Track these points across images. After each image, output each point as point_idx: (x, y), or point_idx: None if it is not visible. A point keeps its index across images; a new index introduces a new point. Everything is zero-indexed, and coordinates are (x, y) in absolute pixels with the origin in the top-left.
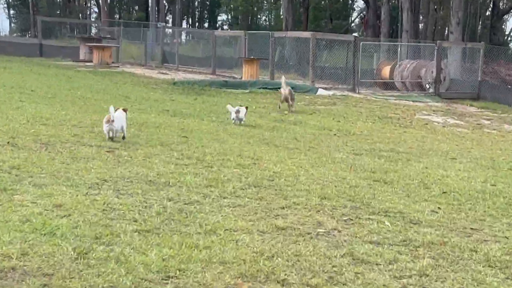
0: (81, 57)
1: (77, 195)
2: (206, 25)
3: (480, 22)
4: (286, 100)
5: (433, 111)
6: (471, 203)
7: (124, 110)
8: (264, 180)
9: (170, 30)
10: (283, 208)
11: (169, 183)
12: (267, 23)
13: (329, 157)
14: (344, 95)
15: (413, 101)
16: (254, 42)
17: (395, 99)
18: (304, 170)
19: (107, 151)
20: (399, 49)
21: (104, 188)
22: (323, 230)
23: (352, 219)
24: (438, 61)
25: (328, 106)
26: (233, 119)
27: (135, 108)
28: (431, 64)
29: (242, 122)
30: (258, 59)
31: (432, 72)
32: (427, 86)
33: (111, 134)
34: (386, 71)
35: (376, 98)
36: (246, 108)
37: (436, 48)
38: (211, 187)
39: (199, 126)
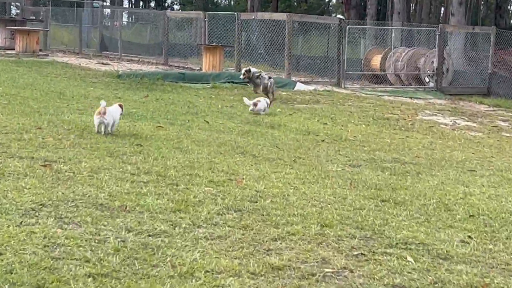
0: (0, 43)
1: (8, 226)
2: (152, 4)
3: (483, 2)
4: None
5: (438, 110)
6: (507, 230)
7: (120, 106)
8: (245, 202)
9: (110, 11)
10: (276, 239)
11: (125, 207)
12: (227, 2)
13: (321, 170)
14: (328, 91)
15: (410, 97)
16: (216, 26)
17: (389, 96)
18: (293, 188)
19: (43, 165)
20: (392, 34)
21: (43, 216)
22: (331, 270)
23: (364, 254)
24: (440, 49)
25: (311, 104)
26: (251, 110)
27: (74, 108)
28: (431, 52)
29: (263, 113)
30: (222, 46)
31: (432, 62)
32: (427, 79)
33: (101, 128)
34: (376, 61)
35: (367, 94)
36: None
37: (438, 33)
38: (180, 212)
39: (155, 131)
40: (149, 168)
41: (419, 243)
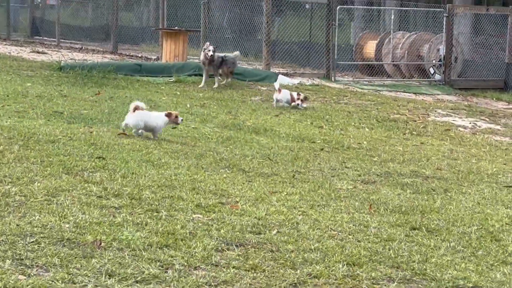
0: None
1: None
2: None
3: None
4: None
5: (451, 109)
6: None
7: (168, 116)
8: (247, 234)
9: None
10: (295, 285)
11: (100, 243)
12: None
13: (329, 188)
14: (316, 85)
15: (414, 93)
16: (175, 6)
17: (389, 91)
18: (301, 213)
19: None
20: (392, 17)
21: None
22: None
23: None
24: (448, 34)
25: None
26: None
27: (11, 110)
28: (436, 38)
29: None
30: (187, 31)
31: (438, 50)
32: (432, 70)
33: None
34: (370, 48)
35: (363, 89)
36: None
37: (445, 15)
38: (169, 248)
39: (116, 139)
40: (119, 188)
41: (473, 287)
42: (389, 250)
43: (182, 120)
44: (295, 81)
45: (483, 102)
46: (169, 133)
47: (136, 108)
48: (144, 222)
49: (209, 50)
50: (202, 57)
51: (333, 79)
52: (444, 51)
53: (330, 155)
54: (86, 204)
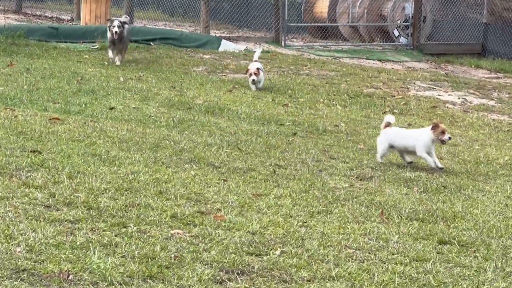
0: None
1: None
2: None
3: None
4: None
5: (431, 81)
6: None
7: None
8: (245, 256)
9: None
10: None
11: (67, 274)
12: None
13: (322, 188)
14: (266, 51)
15: (380, 60)
16: None
17: (350, 57)
18: (301, 223)
19: None
20: None
21: None
22: None
23: None
24: None
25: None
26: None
27: None
28: None
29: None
30: None
31: (403, 8)
32: (396, 32)
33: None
34: (322, 7)
35: (320, 56)
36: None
37: None
38: (155, 280)
39: (49, 126)
40: (69, 194)
41: None
42: (426, 274)
43: (450, 138)
44: (241, 47)
45: (460, 70)
46: (107, 115)
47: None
48: (113, 243)
49: (114, 27)
50: (108, 35)
51: (283, 44)
52: (412, 9)
53: (306, 142)
54: (34, 218)
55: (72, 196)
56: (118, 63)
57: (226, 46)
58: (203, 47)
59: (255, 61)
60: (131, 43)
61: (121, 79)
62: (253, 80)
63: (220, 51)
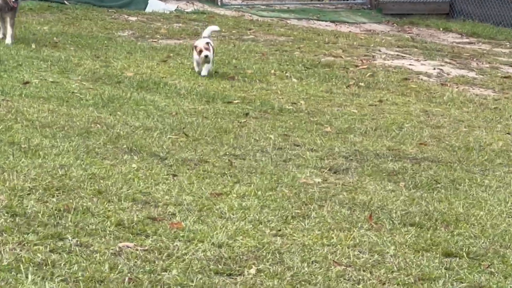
0: None
1: None
2: None
3: None
4: None
5: (399, 47)
6: None
7: None
8: (214, 276)
9: None
10: None
11: None
12: None
13: (292, 184)
14: (201, 12)
15: (333, 21)
16: None
17: (298, 19)
18: (275, 232)
19: None
20: None
21: None
22: None
23: None
24: None
25: (186, 39)
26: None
27: None
28: None
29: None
30: None
31: None
32: None
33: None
34: None
35: (263, 17)
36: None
37: None
38: None
39: None
40: None
41: None
42: None
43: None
44: (171, 7)
45: (426, 33)
46: (21, 91)
47: None
48: (49, 261)
49: None
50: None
51: (219, 3)
52: None
53: (262, 124)
54: None
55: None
56: (9, 41)
57: (154, 5)
58: (128, 7)
59: (204, 37)
60: (40, 2)
61: (33, 45)
62: (206, 56)
63: (147, 12)
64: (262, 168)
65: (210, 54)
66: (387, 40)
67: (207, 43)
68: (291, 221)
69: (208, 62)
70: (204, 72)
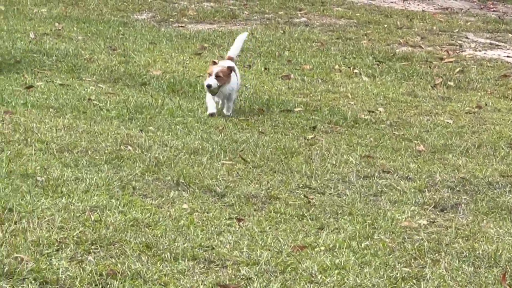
0: None
1: None
2: None
3: None
4: None
5: (490, 32)
6: None
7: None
8: None
9: None
10: None
11: None
12: None
13: (390, 228)
14: None
15: None
16: None
17: None
18: None
19: None
20: None
21: None
22: None
23: None
24: None
25: (221, 22)
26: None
27: None
28: None
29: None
30: None
31: None
32: None
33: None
34: None
35: None
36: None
37: None
38: None
39: None
40: (4, 255)
41: None
42: None
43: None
44: None
45: None
46: (25, 99)
47: None
48: None
49: None
50: None
51: None
52: None
53: (335, 141)
54: None
55: (10, 260)
56: None
57: None
58: None
59: (230, 57)
60: None
61: (31, 35)
62: (209, 86)
63: None
64: (349, 206)
65: (214, 83)
66: (472, 22)
67: (228, 67)
68: (403, 285)
69: (212, 91)
70: (210, 107)
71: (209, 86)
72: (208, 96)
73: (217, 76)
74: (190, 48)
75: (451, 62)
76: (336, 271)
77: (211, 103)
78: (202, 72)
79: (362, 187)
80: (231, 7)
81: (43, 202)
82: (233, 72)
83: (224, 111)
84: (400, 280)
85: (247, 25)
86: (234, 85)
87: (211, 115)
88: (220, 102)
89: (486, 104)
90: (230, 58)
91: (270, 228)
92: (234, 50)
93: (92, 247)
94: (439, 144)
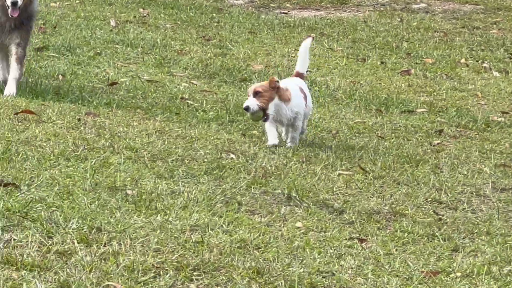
0: None
1: None
2: None
3: None
4: None
5: None
6: None
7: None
8: None
9: None
10: None
11: None
12: None
13: None
14: None
15: None
16: None
17: None
18: None
19: None
20: None
21: None
22: None
23: None
24: None
25: (329, 8)
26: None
27: None
28: None
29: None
30: None
31: None
32: None
33: None
34: None
35: None
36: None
37: None
38: None
39: (19, 125)
40: (95, 283)
41: None
42: None
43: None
44: None
45: None
46: (108, 98)
47: None
48: None
49: None
50: None
51: None
52: None
53: (465, 147)
54: None
55: None
56: (11, 91)
57: None
58: None
59: (299, 73)
60: None
61: (112, 22)
62: (247, 108)
63: None
64: (486, 224)
65: (253, 105)
66: None
67: (272, 80)
68: None
69: (258, 119)
70: (288, 140)
71: (246, 109)
72: (268, 123)
73: (257, 93)
74: (295, 39)
75: None
76: None
77: (271, 133)
78: (311, 66)
79: (499, 202)
80: None
81: (135, 220)
82: (296, 90)
83: (288, 142)
84: None
85: (359, 11)
86: (299, 107)
87: (273, 147)
88: (284, 131)
89: None
90: (299, 75)
91: (396, 250)
92: (301, 63)
93: (195, 273)
94: None
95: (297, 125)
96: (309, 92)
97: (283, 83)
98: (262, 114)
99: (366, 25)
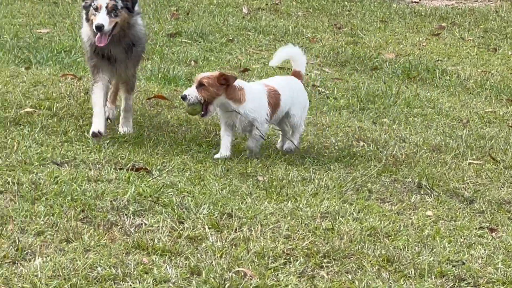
0: None
1: None
2: None
3: None
4: None
5: None
6: None
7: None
8: None
9: None
10: None
11: None
12: None
13: None
14: None
15: None
16: None
17: None
18: None
19: None
20: None
21: None
22: None
23: None
24: None
25: None
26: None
27: None
28: None
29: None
30: None
31: None
32: None
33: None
34: None
35: None
36: None
37: None
38: None
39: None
40: None
41: None
42: None
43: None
44: None
45: None
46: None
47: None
48: None
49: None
50: (85, 34)
51: None
52: None
53: None
54: None
55: (232, 275)
56: (126, 129)
57: None
58: None
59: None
60: None
61: (245, 10)
62: (183, 97)
63: None
64: None
65: (191, 94)
66: None
67: (221, 74)
68: None
69: (195, 113)
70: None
71: (183, 98)
72: (223, 131)
73: (201, 85)
74: (427, 28)
75: None
76: None
77: (224, 142)
78: (442, 55)
79: None
80: None
81: (266, 207)
82: (259, 93)
83: (286, 144)
84: None
85: (490, 1)
86: (258, 113)
87: (222, 160)
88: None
89: None
90: (296, 74)
91: None
92: (298, 61)
93: (325, 260)
94: None
95: (254, 134)
96: (303, 92)
97: (242, 82)
98: (200, 109)
99: (498, 15)
